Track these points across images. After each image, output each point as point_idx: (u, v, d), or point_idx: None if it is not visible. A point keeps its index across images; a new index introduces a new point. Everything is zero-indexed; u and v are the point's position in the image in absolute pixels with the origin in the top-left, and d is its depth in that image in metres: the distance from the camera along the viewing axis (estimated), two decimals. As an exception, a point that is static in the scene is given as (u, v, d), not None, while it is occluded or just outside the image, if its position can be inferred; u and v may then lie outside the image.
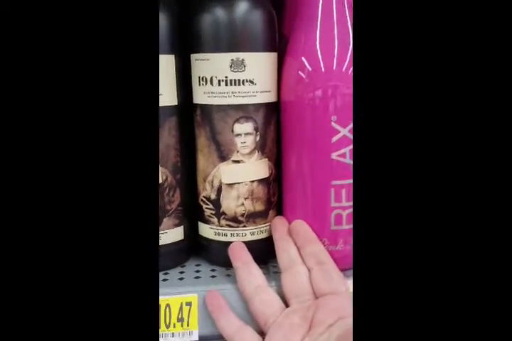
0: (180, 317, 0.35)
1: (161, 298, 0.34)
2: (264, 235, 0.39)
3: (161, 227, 0.37)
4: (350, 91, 0.35)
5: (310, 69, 0.35)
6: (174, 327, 0.35)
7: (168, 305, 0.35)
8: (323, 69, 0.35)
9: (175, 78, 0.36)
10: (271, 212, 0.39)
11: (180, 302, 0.35)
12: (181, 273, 0.38)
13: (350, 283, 0.35)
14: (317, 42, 0.35)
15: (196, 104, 0.37)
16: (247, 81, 0.35)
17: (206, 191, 0.38)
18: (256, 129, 0.36)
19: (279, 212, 0.40)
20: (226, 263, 0.38)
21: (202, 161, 0.38)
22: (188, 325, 0.35)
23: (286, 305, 0.34)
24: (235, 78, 0.34)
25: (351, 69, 0.35)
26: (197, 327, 0.35)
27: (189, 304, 0.35)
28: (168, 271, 0.39)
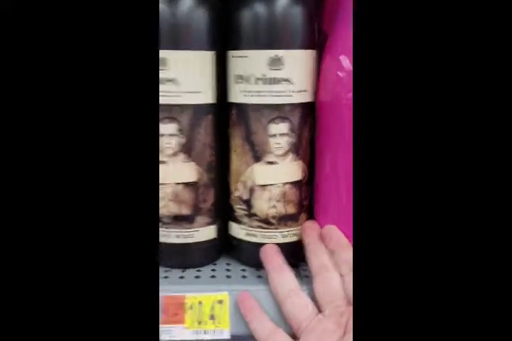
0: (212, 314, 0.35)
1: (193, 294, 0.35)
2: (294, 238, 0.38)
3: (193, 225, 0.37)
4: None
5: (349, 68, 0.34)
6: (206, 324, 0.35)
7: (200, 302, 0.35)
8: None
9: (214, 76, 0.35)
10: (302, 215, 0.38)
11: (212, 300, 0.35)
12: (213, 270, 0.39)
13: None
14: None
15: (232, 103, 0.36)
16: (284, 80, 0.34)
17: (238, 191, 0.38)
18: (291, 130, 0.35)
19: (310, 215, 0.39)
20: (257, 264, 0.38)
21: (235, 161, 0.37)
22: (219, 323, 0.35)
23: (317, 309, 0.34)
24: (273, 76, 0.34)
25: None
26: (228, 326, 0.35)
27: (221, 302, 0.35)
28: (200, 269, 0.39)
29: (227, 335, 0.35)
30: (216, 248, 0.40)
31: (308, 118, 0.36)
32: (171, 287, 0.35)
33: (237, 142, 0.37)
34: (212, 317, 0.35)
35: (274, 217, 0.37)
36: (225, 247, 0.41)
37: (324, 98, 0.36)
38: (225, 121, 0.37)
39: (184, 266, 0.39)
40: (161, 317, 0.34)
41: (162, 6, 0.32)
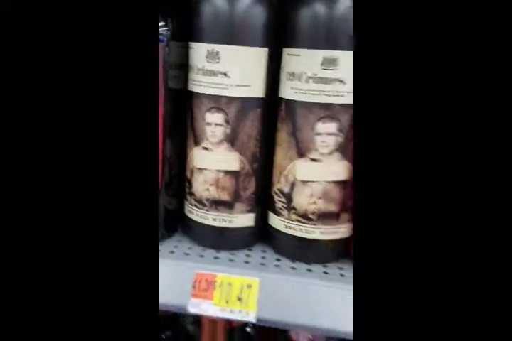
0: (239, 296, 0.37)
1: (224, 274, 0.37)
2: (334, 236, 0.38)
3: (232, 211, 0.39)
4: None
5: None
6: (233, 304, 0.37)
7: (230, 284, 0.37)
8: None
9: (265, 72, 0.36)
10: (344, 215, 0.38)
11: (242, 283, 0.37)
12: (247, 256, 0.41)
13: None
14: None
15: (282, 99, 0.36)
16: (337, 80, 0.33)
17: (280, 184, 0.38)
18: (340, 130, 0.35)
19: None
20: (292, 255, 0.39)
21: (280, 155, 0.38)
22: (246, 305, 0.37)
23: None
24: (325, 76, 0.33)
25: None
26: (255, 309, 0.37)
27: (249, 287, 0.37)
28: (235, 253, 0.41)
29: (253, 318, 0.37)
30: (253, 235, 0.42)
31: (359, 118, 0.35)
32: (203, 265, 0.38)
33: (283, 137, 0.37)
34: (239, 299, 0.37)
35: (313, 213, 0.38)
36: (263, 235, 0.42)
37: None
38: (274, 116, 0.38)
39: (218, 248, 0.41)
40: (191, 291, 0.37)
41: (220, 2, 0.32)
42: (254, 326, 0.62)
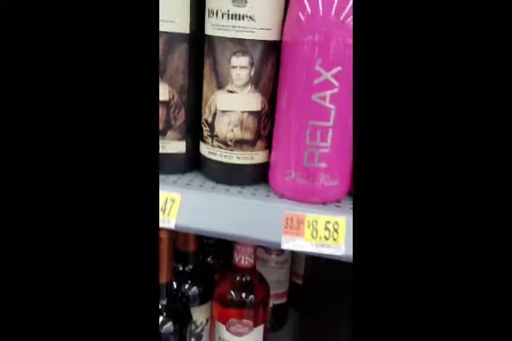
0: (163, 208, 0.43)
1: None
2: (249, 161, 0.44)
3: (165, 137, 0.45)
4: (343, 39, 0.36)
5: (309, 12, 0.37)
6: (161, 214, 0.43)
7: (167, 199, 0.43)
8: (320, 14, 0.36)
9: (188, 7, 0.40)
10: (259, 143, 0.44)
11: (166, 198, 0.43)
12: (178, 179, 0.46)
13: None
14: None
15: (206, 35, 0.41)
16: (246, 16, 0.38)
17: (205, 114, 0.44)
18: (251, 64, 0.40)
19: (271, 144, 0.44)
20: (215, 178, 0.45)
21: (205, 88, 0.43)
22: (168, 215, 0.42)
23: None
24: (236, 13, 0.38)
25: (349, 18, 0.36)
26: (175, 218, 0.42)
27: (173, 200, 0.43)
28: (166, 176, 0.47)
29: (172, 225, 0.42)
30: (185, 162, 0.47)
31: (270, 55, 0.40)
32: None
33: (206, 71, 0.42)
34: (163, 210, 0.42)
35: (231, 140, 0.43)
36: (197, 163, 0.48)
37: (285, 38, 0.39)
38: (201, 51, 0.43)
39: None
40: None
41: None
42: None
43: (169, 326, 0.54)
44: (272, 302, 0.73)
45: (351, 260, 0.39)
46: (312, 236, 0.39)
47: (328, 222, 0.39)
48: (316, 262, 0.78)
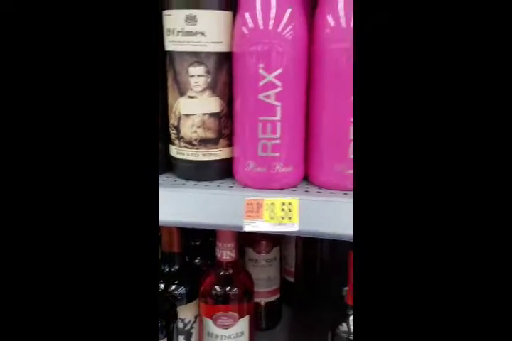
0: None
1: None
2: (213, 157, 0.50)
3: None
4: (281, 47, 0.43)
5: (251, 26, 0.43)
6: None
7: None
8: (261, 28, 0.43)
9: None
10: (221, 141, 0.50)
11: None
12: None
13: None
14: (256, 2, 0.43)
15: (166, 51, 0.48)
16: (198, 33, 0.45)
17: (172, 119, 0.50)
18: (207, 72, 0.46)
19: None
20: (185, 176, 0.51)
21: (170, 96, 0.49)
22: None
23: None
24: (189, 30, 0.45)
25: (285, 30, 0.42)
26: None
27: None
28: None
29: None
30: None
31: (224, 63, 0.47)
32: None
33: (170, 81, 0.49)
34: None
35: (196, 140, 0.49)
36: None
37: (234, 49, 0.46)
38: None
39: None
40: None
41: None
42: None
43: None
44: (264, 300, 0.77)
45: (304, 235, 0.44)
46: (270, 217, 0.44)
47: (283, 204, 0.44)
48: (306, 259, 0.83)
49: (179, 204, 0.47)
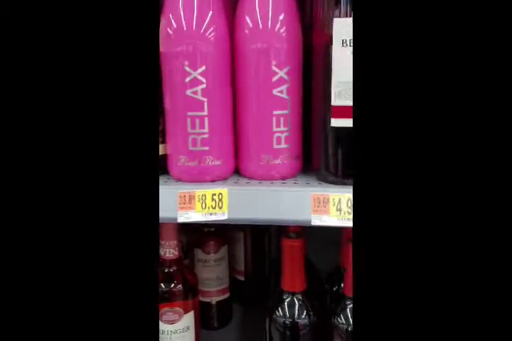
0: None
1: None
2: (148, 154, 0.51)
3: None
4: (204, 45, 0.45)
5: (175, 27, 0.46)
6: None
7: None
8: (184, 29, 0.46)
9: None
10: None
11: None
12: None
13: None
14: (180, 4, 0.46)
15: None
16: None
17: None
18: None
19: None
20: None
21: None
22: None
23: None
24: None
25: (208, 31, 0.45)
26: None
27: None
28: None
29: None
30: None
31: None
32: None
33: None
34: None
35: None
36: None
37: (162, 49, 0.48)
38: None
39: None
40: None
41: None
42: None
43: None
44: (215, 299, 0.78)
45: (233, 222, 0.46)
46: (202, 207, 0.46)
47: (214, 195, 0.47)
48: (255, 257, 0.85)
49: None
